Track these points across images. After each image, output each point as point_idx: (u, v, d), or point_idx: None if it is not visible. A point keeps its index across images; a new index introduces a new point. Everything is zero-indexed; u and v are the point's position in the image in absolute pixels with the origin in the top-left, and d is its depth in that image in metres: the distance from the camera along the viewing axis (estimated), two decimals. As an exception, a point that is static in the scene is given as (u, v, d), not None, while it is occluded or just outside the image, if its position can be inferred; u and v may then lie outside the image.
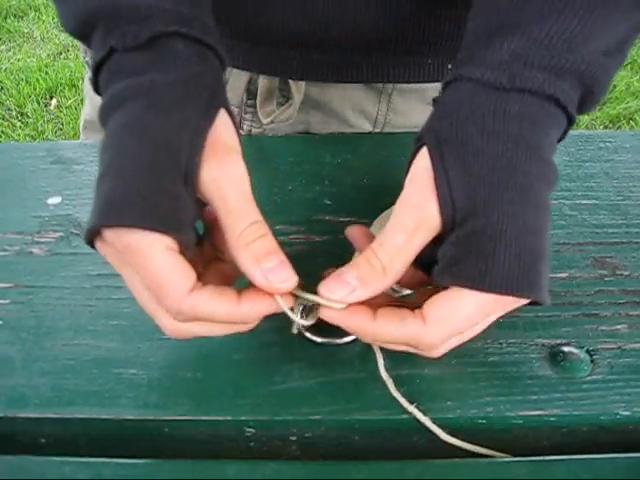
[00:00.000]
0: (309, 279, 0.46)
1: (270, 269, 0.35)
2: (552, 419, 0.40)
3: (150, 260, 0.34)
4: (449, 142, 0.37)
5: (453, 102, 0.39)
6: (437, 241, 0.37)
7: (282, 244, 0.36)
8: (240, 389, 0.41)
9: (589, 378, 0.42)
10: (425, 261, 0.37)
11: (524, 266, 0.35)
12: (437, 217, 0.36)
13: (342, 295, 0.36)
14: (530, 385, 0.42)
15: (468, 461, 0.39)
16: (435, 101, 0.42)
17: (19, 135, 2.11)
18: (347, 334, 0.42)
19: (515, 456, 0.39)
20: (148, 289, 0.36)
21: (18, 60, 2.44)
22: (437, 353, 0.38)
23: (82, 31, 0.41)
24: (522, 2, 0.38)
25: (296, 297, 0.37)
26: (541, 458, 0.38)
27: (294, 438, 0.41)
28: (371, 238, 0.40)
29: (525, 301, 0.36)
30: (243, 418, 0.40)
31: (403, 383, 0.41)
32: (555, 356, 0.43)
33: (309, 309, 0.39)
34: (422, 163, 0.37)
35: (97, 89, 0.40)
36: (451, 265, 0.36)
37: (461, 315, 0.36)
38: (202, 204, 0.37)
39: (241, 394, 0.41)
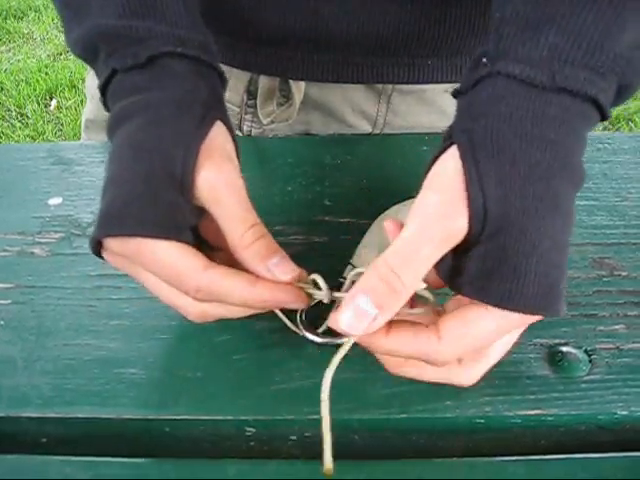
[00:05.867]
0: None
1: (274, 264, 0.37)
2: (550, 419, 0.40)
3: (160, 255, 0.36)
4: (484, 147, 0.34)
5: (488, 100, 0.36)
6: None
7: (282, 245, 0.36)
8: (240, 389, 0.42)
9: (587, 378, 0.42)
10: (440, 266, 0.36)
11: (551, 283, 0.34)
12: (465, 229, 0.34)
13: (364, 328, 0.33)
14: (528, 385, 0.42)
15: (467, 461, 0.39)
16: (460, 93, 0.39)
17: (19, 136, 2.11)
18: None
19: (513, 455, 0.39)
20: (166, 281, 0.37)
21: (18, 61, 2.44)
22: (470, 382, 0.37)
23: (87, 55, 0.43)
24: None
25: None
26: (539, 457, 0.38)
27: (294, 437, 0.41)
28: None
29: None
30: (243, 417, 0.41)
31: (402, 383, 0.41)
32: (553, 356, 0.43)
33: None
34: (452, 165, 0.35)
35: (107, 108, 0.42)
36: (477, 279, 0.34)
37: (480, 334, 0.34)
38: (200, 212, 0.38)
39: (241, 394, 0.41)
